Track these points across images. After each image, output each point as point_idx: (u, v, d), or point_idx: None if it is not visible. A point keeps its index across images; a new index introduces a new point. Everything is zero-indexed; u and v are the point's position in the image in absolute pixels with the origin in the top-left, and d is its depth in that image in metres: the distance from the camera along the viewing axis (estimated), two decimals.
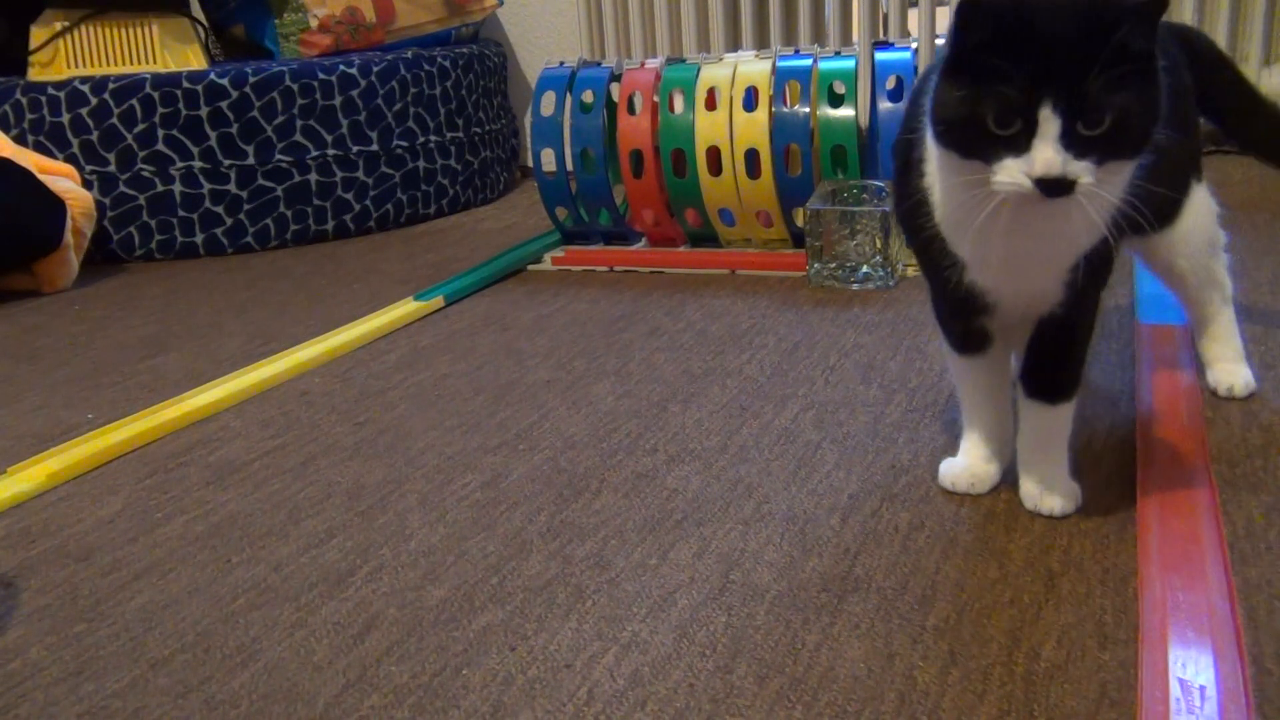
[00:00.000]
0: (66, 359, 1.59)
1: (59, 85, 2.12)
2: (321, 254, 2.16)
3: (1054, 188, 0.72)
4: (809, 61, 1.78)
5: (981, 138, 0.73)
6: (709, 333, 1.47)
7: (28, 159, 1.97)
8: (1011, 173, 0.73)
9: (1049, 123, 0.71)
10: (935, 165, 0.82)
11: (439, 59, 2.37)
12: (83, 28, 2.23)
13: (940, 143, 0.77)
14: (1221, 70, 1.14)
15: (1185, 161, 1.05)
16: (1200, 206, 1.08)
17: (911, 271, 1.68)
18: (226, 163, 2.15)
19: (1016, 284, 0.85)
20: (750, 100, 1.77)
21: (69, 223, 1.96)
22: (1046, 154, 0.71)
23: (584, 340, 1.48)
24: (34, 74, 2.23)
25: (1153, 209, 0.81)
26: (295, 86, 2.17)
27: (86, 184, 2.11)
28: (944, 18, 2.32)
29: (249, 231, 2.20)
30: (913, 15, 2.34)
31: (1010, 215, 0.75)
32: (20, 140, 2.12)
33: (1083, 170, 0.72)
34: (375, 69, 2.25)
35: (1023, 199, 0.73)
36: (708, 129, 1.78)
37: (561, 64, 1.94)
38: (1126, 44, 0.71)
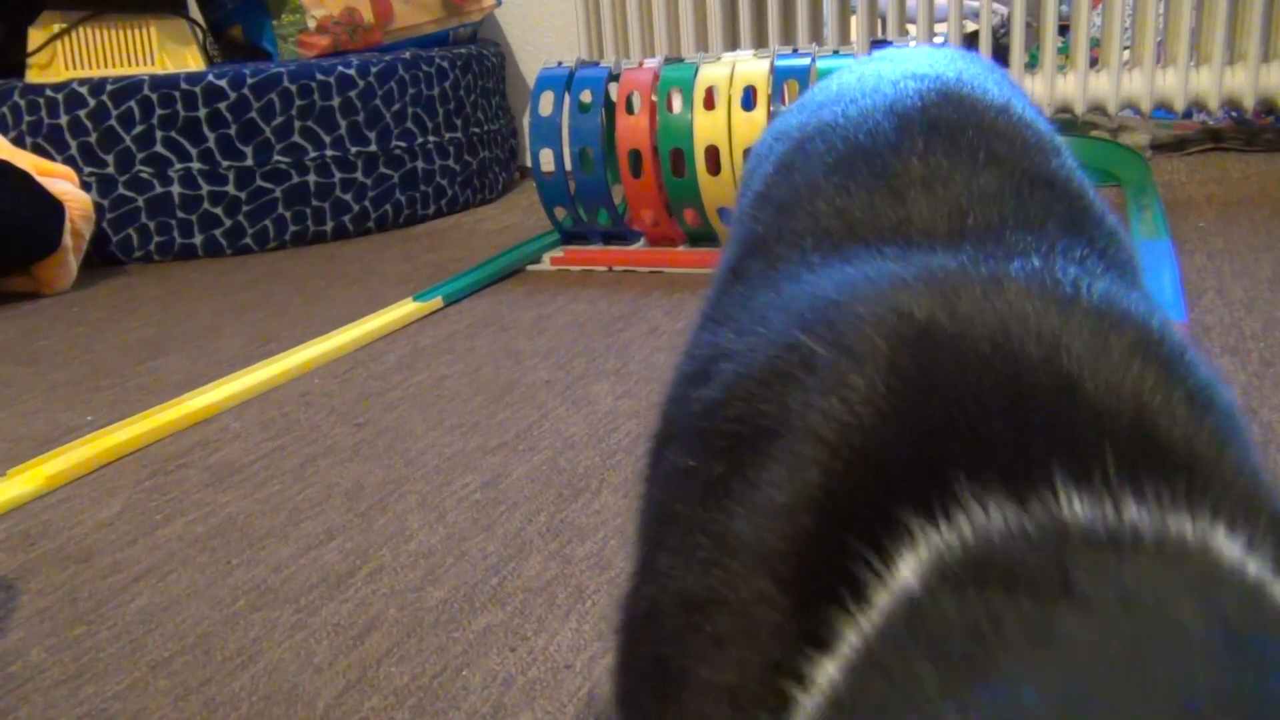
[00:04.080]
0: (65, 361, 1.59)
1: (57, 87, 2.12)
2: (320, 255, 2.15)
3: None
4: (807, 61, 1.78)
5: None
6: None
7: (26, 161, 1.97)
8: None
9: None
10: None
11: (437, 59, 2.37)
12: (81, 30, 2.23)
13: None
14: None
15: None
16: None
17: None
18: (225, 164, 2.15)
19: None
20: (749, 100, 1.77)
21: (68, 225, 1.96)
22: None
23: (583, 340, 1.48)
24: (32, 76, 2.23)
25: None
26: (293, 87, 2.16)
27: (85, 186, 2.11)
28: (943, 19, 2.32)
29: (248, 233, 2.20)
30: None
31: None
32: (18, 142, 2.12)
33: None
34: (373, 70, 2.25)
35: None
36: (706, 128, 1.78)
37: (560, 64, 1.94)
38: None
